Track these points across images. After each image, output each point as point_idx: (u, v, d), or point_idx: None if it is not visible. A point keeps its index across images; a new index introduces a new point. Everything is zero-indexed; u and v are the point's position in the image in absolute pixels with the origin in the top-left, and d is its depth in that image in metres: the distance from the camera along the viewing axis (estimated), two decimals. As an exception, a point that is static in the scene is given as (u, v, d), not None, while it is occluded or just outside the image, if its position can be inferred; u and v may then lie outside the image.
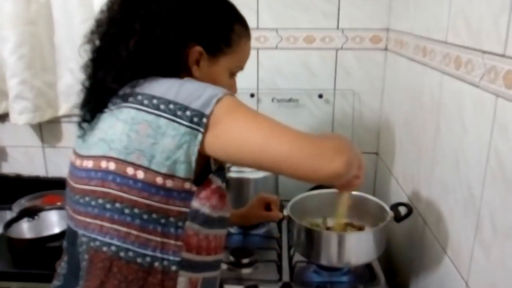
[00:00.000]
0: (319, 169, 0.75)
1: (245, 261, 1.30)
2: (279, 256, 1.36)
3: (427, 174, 1.21)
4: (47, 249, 1.34)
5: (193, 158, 0.77)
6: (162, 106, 0.78)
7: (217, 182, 0.85)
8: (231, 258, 1.31)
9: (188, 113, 0.77)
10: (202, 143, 0.77)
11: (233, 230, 1.50)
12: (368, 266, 1.31)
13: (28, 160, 1.89)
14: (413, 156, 1.34)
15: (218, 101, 0.77)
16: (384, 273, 1.32)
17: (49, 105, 1.74)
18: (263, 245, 1.43)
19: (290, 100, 1.71)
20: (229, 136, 0.78)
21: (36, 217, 1.50)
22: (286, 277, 1.26)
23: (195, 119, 0.76)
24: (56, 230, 1.46)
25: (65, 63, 1.70)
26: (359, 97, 1.70)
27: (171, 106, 0.77)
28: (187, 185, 0.79)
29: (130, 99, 0.81)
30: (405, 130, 1.43)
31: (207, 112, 0.76)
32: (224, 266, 1.28)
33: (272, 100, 1.71)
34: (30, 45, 1.64)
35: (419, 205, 1.28)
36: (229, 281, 1.23)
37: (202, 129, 0.76)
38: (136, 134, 0.78)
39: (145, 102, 0.79)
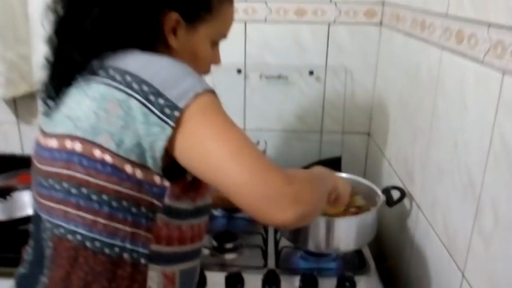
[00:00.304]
0: (267, 213, 0.67)
1: (229, 246, 1.23)
2: (265, 241, 1.30)
3: (422, 156, 1.15)
4: (18, 232, 1.26)
5: (159, 155, 0.69)
6: (135, 85, 0.69)
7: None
8: (214, 243, 1.24)
9: (160, 101, 0.68)
10: (170, 139, 0.68)
11: (216, 213, 1.43)
12: (358, 252, 1.25)
13: (2, 137, 1.79)
14: (407, 137, 1.27)
15: (196, 96, 0.68)
16: (373, 258, 1.26)
17: (24, 79, 1.64)
18: (248, 229, 1.36)
19: (279, 77, 1.63)
20: (194, 140, 0.69)
21: (8, 197, 1.42)
22: (271, 263, 1.20)
23: (167, 110, 0.67)
24: (30, 211, 1.38)
25: (40, 34, 1.59)
26: (352, 75, 1.62)
27: (145, 87, 0.68)
28: (158, 180, 0.71)
29: (101, 73, 0.72)
30: (400, 110, 1.36)
31: (181, 105, 0.67)
32: (206, 252, 1.22)
33: (260, 77, 1.63)
34: (1, 15, 1.53)
35: (412, 189, 1.22)
36: (211, 267, 1.16)
37: (172, 123, 0.67)
38: (106, 113, 0.69)
39: (117, 77, 0.70)
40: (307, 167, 1.63)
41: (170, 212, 0.75)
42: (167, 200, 0.73)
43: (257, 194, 0.67)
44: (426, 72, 1.13)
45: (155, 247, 0.75)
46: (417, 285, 1.17)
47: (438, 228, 1.04)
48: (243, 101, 1.65)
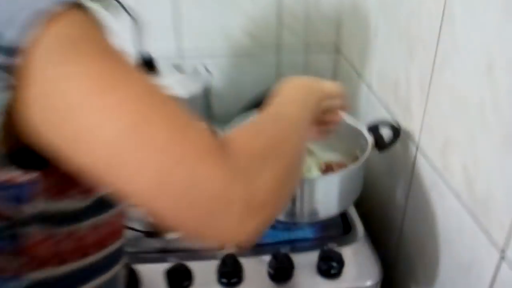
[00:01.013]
0: (207, 233, 0.41)
1: (169, 222, 0.91)
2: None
3: (424, 79, 0.82)
4: None
5: None
6: None
7: None
8: (149, 219, 0.91)
9: None
10: (12, 107, 0.37)
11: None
12: (341, 214, 0.96)
13: None
14: (398, 52, 0.94)
15: (47, 22, 0.36)
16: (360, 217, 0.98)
17: None
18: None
19: (219, -20, 1.22)
20: (56, 107, 0.37)
21: None
22: (228, 240, 0.89)
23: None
24: None
25: None
26: (314, -28, 1.23)
27: None
28: (4, 176, 0.41)
29: None
30: (384, 14, 1.01)
31: (22, 42, 0.36)
32: (137, 235, 0.89)
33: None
34: None
35: (409, 125, 0.91)
36: (146, 259, 0.84)
37: (8, 79, 0.36)
38: None
39: None
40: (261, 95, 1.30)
41: (50, 218, 0.46)
42: (38, 203, 0.44)
43: (187, 207, 0.39)
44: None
45: (37, 274, 0.47)
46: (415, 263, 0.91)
47: (454, 182, 0.74)
48: (175, 15, 1.25)
